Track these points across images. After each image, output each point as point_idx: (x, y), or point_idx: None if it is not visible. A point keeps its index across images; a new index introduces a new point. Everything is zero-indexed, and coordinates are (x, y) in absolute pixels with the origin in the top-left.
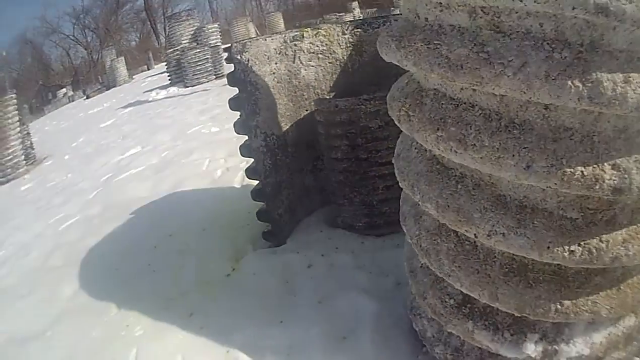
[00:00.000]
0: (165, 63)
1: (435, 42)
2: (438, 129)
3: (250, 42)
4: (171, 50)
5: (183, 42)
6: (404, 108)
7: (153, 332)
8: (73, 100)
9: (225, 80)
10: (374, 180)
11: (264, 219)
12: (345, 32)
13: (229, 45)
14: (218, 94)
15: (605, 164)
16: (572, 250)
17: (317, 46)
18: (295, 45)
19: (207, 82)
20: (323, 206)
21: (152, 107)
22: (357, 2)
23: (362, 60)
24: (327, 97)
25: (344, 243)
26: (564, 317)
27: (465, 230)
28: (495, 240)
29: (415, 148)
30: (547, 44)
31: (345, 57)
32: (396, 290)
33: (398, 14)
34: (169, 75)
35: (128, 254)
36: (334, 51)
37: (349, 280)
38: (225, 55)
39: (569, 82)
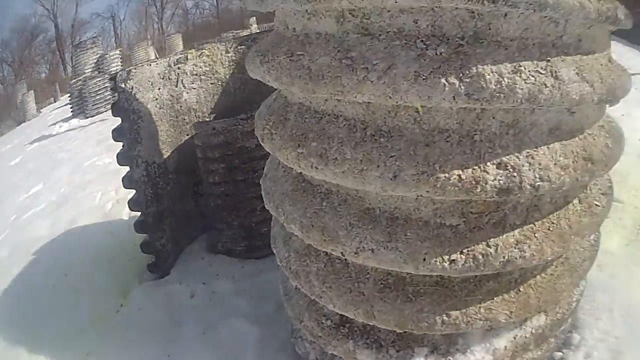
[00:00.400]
0: (68, 95)
1: (298, 53)
2: (299, 146)
3: (135, 68)
4: (74, 80)
5: (86, 71)
6: (267, 126)
7: None
8: None
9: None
10: (252, 201)
11: (147, 250)
12: (229, 50)
13: (114, 73)
14: (114, 123)
15: (489, 163)
16: (453, 260)
17: (201, 67)
18: (178, 68)
19: (106, 111)
20: (205, 232)
21: (55, 142)
22: (255, 17)
23: (244, 78)
24: (206, 120)
25: (225, 269)
26: (454, 328)
27: (332, 250)
28: (363, 257)
29: (282, 168)
30: (421, 41)
31: (227, 77)
32: (278, 314)
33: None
34: (71, 107)
35: (32, 295)
36: (216, 71)
37: (231, 307)
38: (109, 87)
39: (443, 80)
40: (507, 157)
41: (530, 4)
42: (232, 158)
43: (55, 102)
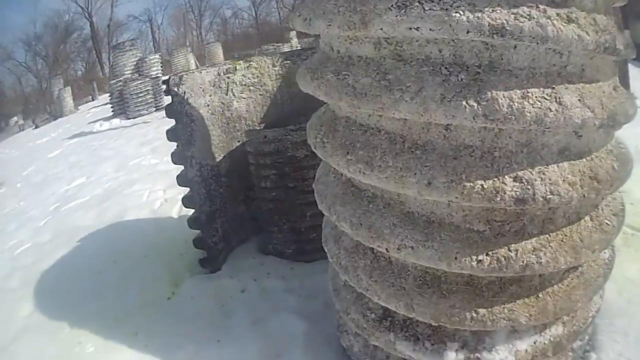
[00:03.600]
0: (108, 94)
1: (343, 72)
2: (348, 153)
3: (187, 75)
4: (114, 81)
5: (126, 72)
6: (319, 135)
7: (103, 349)
8: (23, 129)
9: (163, 112)
10: (302, 207)
11: (200, 246)
12: (276, 64)
13: (167, 77)
14: (157, 127)
15: (506, 176)
16: (480, 260)
17: (249, 78)
18: (228, 77)
19: (148, 114)
20: (255, 234)
21: (96, 139)
22: (295, 32)
23: (291, 92)
24: (257, 128)
25: (275, 268)
26: (481, 325)
27: (377, 246)
28: (405, 254)
29: (333, 173)
30: (445, 68)
31: (275, 89)
32: (325, 312)
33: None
34: (112, 107)
35: (77, 279)
36: (264, 83)
37: (280, 302)
38: (164, 87)
39: (464, 103)
40: (522, 172)
41: (533, 38)
42: (282, 166)
43: (92, 100)
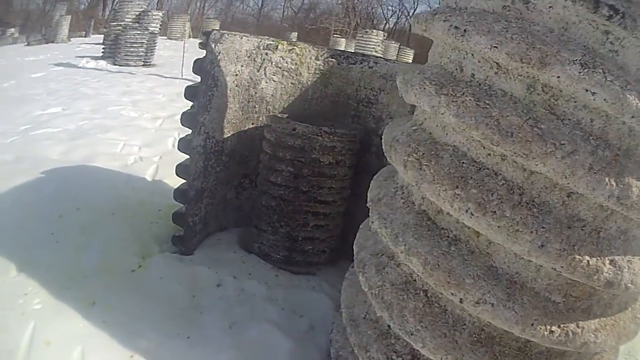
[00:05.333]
0: (104, 35)
1: (485, 101)
2: (457, 187)
3: (227, 35)
4: (115, 23)
5: (126, 19)
6: (414, 155)
7: (53, 310)
8: (16, 43)
9: (152, 69)
10: (307, 215)
11: (179, 222)
12: (319, 57)
13: (210, 30)
14: (142, 81)
15: (606, 258)
16: (552, 331)
17: (287, 62)
18: (266, 54)
19: (135, 66)
20: (236, 226)
21: (80, 74)
22: (296, 33)
23: (324, 92)
24: (284, 117)
25: (258, 271)
26: None
27: (451, 293)
28: (482, 309)
29: (402, 198)
30: (593, 139)
31: (309, 83)
32: (310, 333)
33: (379, 57)
34: (103, 48)
35: (33, 216)
36: (301, 73)
37: (261, 311)
38: (165, 46)
39: (607, 179)
40: (618, 257)
41: None
42: (302, 166)
43: (86, 37)
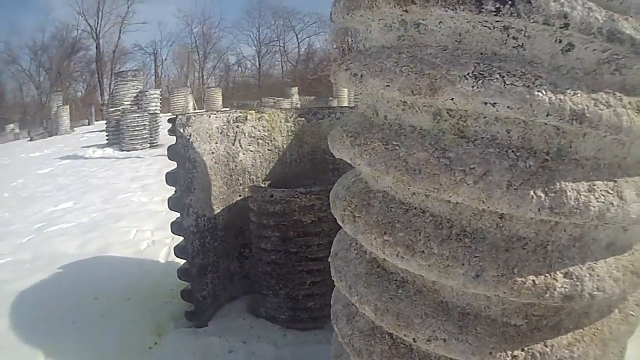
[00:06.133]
0: (105, 122)
1: (393, 142)
2: (385, 233)
3: (194, 117)
4: (113, 109)
5: (125, 102)
6: (349, 208)
7: None
8: (18, 139)
9: (158, 150)
10: (302, 275)
11: (188, 298)
12: (289, 119)
13: (174, 116)
14: (150, 164)
15: (558, 272)
16: (515, 356)
17: (259, 131)
18: (237, 127)
19: (142, 149)
20: (246, 293)
21: (87, 165)
22: (297, 88)
23: (301, 151)
24: (262, 185)
25: (266, 333)
26: None
27: (404, 335)
28: (435, 345)
29: (355, 249)
30: (512, 151)
31: (285, 146)
32: None
33: (344, 107)
34: (107, 135)
35: (55, 307)
36: (274, 138)
37: None
38: (169, 126)
39: (531, 192)
40: (573, 267)
41: (609, 127)
42: (286, 229)
43: (89, 124)
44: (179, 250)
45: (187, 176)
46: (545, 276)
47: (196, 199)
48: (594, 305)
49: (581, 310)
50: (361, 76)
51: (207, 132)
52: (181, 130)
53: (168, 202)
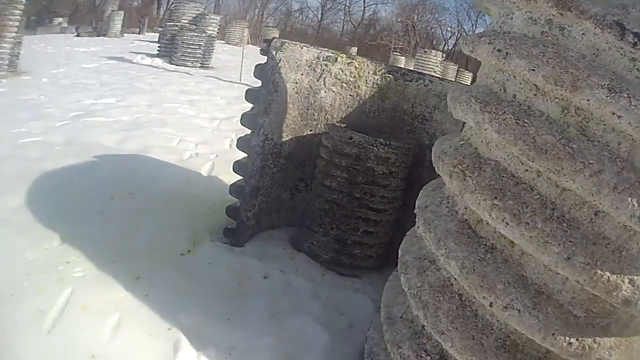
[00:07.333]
0: (159, 34)
1: (524, 120)
2: (496, 198)
3: (288, 43)
4: (171, 23)
5: (183, 20)
6: (460, 166)
7: (94, 279)
8: (64, 33)
9: (209, 72)
10: (357, 221)
11: (233, 215)
12: (377, 72)
13: (271, 38)
14: (199, 82)
15: (625, 277)
16: (570, 343)
17: (346, 75)
18: (325, 65)
19: (192, 67)
20: (289, 225)
21: (134, 69)
22: (356, 48)
23: (382, 105)
24: (342, 126)
25: (305, 268)
26: None
27: (483, 297)
28: (509, 314)
29: (447, 206)
30: (619, 161)
31: (367, 96)
32: (348, 331)
33: (433, 76)
34: (159, 46)
35: (83, 194)
36: (358, 86)
37: (304, 305)
38: (222, 50)
39: (629, 199)
40: (637, 277)
41: None
42: (356, 174)
43: (139, 34)
44: (239, 167)
45: (267, 98)
46: (617, 276)
47: (269, 121)
48: (634, 320)
49: (625, 322)
50: (506, 54)
51: (296, 62)
52: (273, 53)
53: (241, 117)
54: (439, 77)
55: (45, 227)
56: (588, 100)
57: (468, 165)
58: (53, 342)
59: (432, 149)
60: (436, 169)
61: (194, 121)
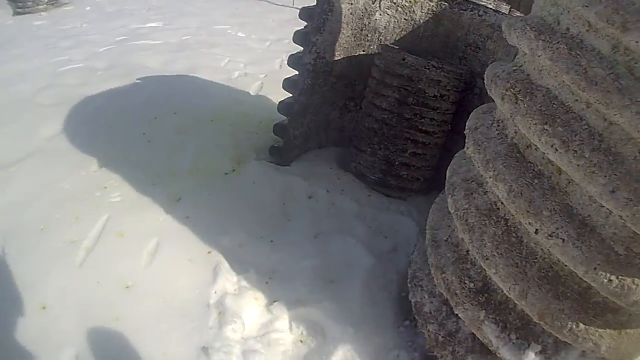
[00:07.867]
0: None
1: (577, 51)
2: (546, 123)
3: None
4: None
5: None
6: (512, 90)
7: (132, 204)
8: None
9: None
10: (406, 142)
11: (280, 133)
12: None
13: None
14: (251, 6)
15: None
16: (610, 280)
17: None
18: None
19: None
20: (335, 145)
21: None
22: None
23: (435, 31)
24: (396, 47)
25: (351, 188)
26: (573, 339)
27: (529, 222)
28: (553, 243)
29: (496, 129)
30: None
31: (421, 21)
32: (392, 254)
33: (489, 8)
34: None
35: (125, 115)
36: (414, 11)
37: (348, 226)
38: None
39: None
40: None
41: None
42: (407, 94)
43: None
44: (288, 84)
45: (321, 16)
46: None
47: (322, 40)
48: None
49: None
50: None
51: None
52: None
53: (294, 34)
54: (492, 9)
55: (83, 152)
56: (637, 42)
57: (520, 90)
58: (85, 275)
59: (485, 72)
60: (488, 91)
61: (244, 42)
